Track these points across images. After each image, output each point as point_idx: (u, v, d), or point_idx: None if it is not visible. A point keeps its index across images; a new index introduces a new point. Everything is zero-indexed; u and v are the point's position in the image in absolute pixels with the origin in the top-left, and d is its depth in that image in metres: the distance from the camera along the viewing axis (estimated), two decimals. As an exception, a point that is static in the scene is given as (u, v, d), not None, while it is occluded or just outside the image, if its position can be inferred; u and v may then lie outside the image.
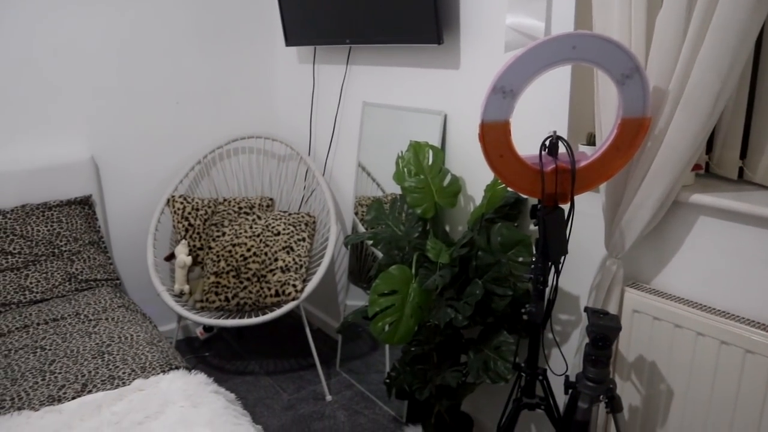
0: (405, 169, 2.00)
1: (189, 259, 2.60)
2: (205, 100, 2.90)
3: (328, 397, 2.58)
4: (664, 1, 1.42)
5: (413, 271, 1.84)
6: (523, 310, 1.56)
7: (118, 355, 1.98)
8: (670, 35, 1.41)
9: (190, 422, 1.62)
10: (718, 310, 1.52)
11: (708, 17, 1.34)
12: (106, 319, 2.23)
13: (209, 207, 2.74)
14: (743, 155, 1.60)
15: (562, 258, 1.51)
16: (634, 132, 1.44)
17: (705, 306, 1.54)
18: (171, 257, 2.69)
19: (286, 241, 2.54)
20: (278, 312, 2.43)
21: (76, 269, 2.46)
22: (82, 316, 2.22)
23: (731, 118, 1.59)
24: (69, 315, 2.23)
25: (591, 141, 1.72)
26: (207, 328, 3.08)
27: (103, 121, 2.66)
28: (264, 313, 2.45)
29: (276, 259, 2.49)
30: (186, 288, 2.61)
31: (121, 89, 2.68)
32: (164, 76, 2.77)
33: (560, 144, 1.47)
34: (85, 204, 2.60)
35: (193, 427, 1.60)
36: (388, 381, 2.11)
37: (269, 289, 2.46)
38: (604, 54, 1.34)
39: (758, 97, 1.54)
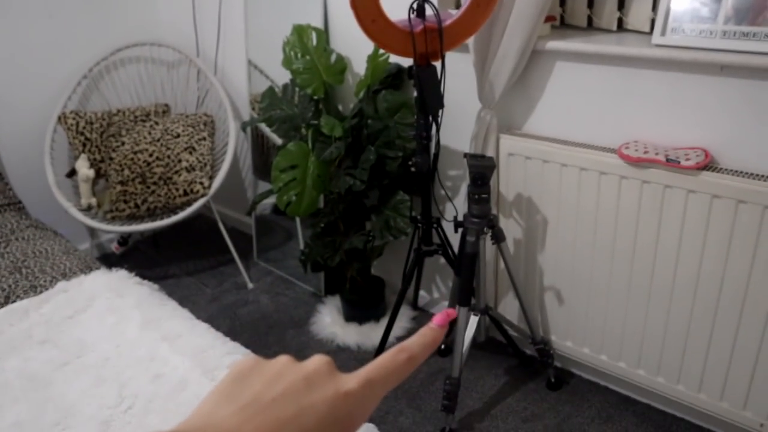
0: (291, 53, 2.08)
1: (91, 172, 2.61)
2: (80, 11, 2.81)
3: (250, 285, 2.74)
4: None
5: (310, 146, 1.96)
6: (410, 163, 1.73)
7: (36, 267, 2.03)
8: None
9: (118, 309, 1.73)
10: (577, 142, 1.74)
11: None
12: (16, 239, 2.25)
13: (104, 119, 2.72)
14: (590, 5, 1.79)
15: (440, 111, 1.67)
16: (491, -12, 1.59)
17: (566, 140, 1.76)
18: (72, 173, 2.69)
19: (187, 142, 2.59)
20: (189, 210, 2.51)
21: (-26, 195, 2.43)
22: (-10, 240, 2.23)
23: (578, -30, 1.76)
24: (-24, 239, 2.23)
25: (459, 5, 1.86)
26: (122, 242, 3.12)
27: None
28: (176, 214, 2.53)
29: (179, 161, 2.55)
30: (93, 201, 2.63)
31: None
32: (31, -13, 2.65)
33: (428, 7, 1.60)
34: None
35: (121, 311, 1.71)
36: (302, 257, 2.27)
37: (177, 189, 2.53)
38: None
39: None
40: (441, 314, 0.42)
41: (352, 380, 0.35)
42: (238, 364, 0.36)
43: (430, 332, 0.41)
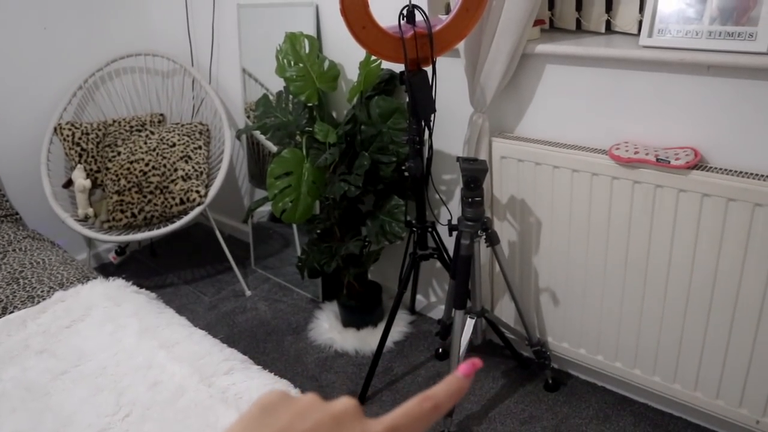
0: (284, 61, 2.09)
1: (88, 183, 2.62)
2: (75, 23, 2.83)
3: (248, 293, 2.75)
4: None
5: (304, 152, 1.98)
6: (403, 167, 1.74)
7: (33, 277, 2.04)
8: None
9: (116, 317, 1.74)
10: (569, 144, 1.76)
11: None
12: (14, 250, 2.26)
13: (99, 130, 2.74)
14: (579, 8, 1.80)
15: (432, 116, 1.69)
16: (479, -7, 1.60)
17: (558, 143, 1.78)
18: (69, 184, 2.70)
19: (182, 151, 2.60)
20: (186, 219, 2.52)
21: (-28, 207, 2.44)
22: (-13, 251, 2.24)
23: (566, -26, 1.78)
24: (-26, 250, 2.24)
25: (448, 11, 1.87)
26: (119, 252, 3.13)
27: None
28: (173, 223, 2.54)
29: (176, 169, 2.56)
30: (90, 211, 2.64)
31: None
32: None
33: (417, 13, 1.61)
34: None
35: (119, 320, 1.71)
36: (299, 264, 2.28)
37: (173, 198, 2.54)
38: None
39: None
40: (466, 363, 0.41)
41: (377, 426, 0.35)
42: (264, 396, 0.36)
43: (455, 381, 0.40)
